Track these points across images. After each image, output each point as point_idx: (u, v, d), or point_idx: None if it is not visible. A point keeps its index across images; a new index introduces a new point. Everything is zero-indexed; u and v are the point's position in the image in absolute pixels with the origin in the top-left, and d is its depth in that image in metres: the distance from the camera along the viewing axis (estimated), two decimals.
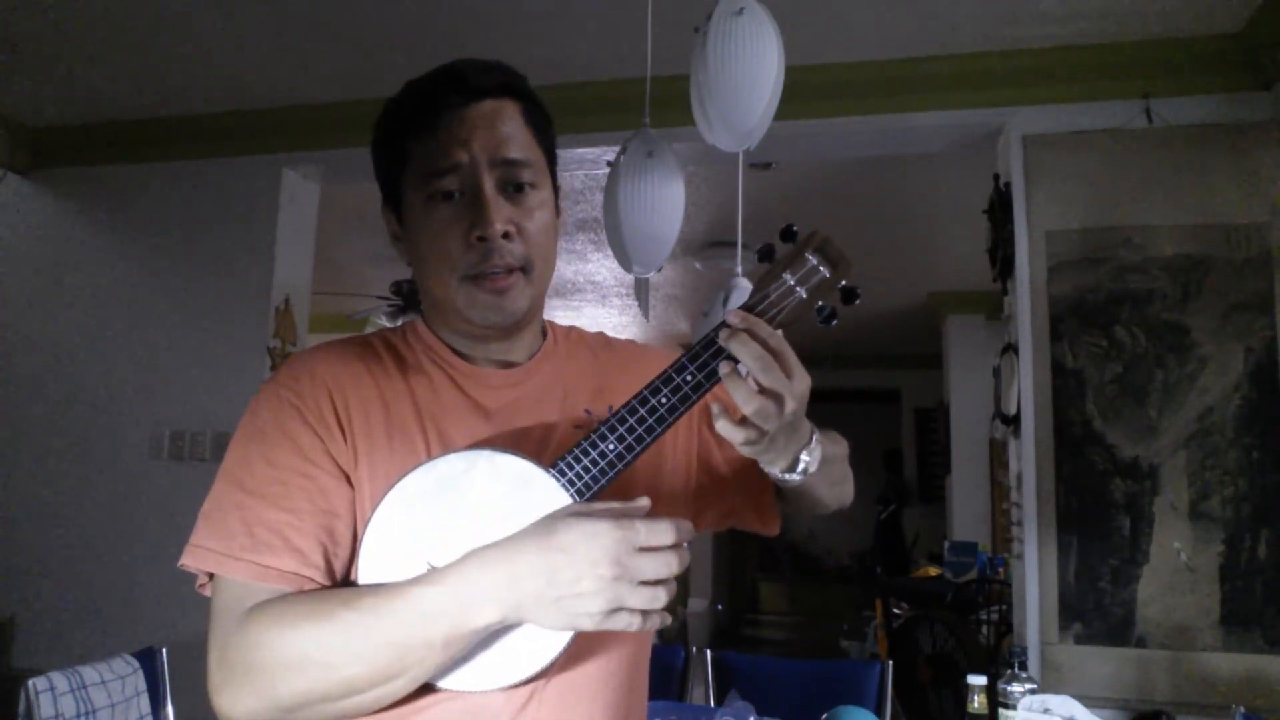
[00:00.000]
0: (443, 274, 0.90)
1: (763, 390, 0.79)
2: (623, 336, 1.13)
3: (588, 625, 0.76)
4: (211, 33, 2.70)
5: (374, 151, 0.96)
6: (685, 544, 0.78)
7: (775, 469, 0.89)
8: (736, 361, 0.80)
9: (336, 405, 0.87)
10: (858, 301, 0.85)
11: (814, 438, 0.90)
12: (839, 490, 1.04)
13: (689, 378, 0.82)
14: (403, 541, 0.81)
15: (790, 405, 0.79)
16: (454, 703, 0.82)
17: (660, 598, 0.76)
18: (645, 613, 0.76)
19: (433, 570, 0.78)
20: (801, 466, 0.89)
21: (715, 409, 0.82)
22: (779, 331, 0.82)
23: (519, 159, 0.90)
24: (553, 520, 0.77)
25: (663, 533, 0.76)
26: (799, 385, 0.80)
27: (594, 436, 0.82)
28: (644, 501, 0.79)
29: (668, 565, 0.75)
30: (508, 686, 0.82)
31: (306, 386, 0.87)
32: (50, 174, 3.45)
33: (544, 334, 1.03)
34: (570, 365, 1.00)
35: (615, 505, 0.78)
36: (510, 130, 0.91)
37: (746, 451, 0.84)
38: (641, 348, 1.11)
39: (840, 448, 1.01)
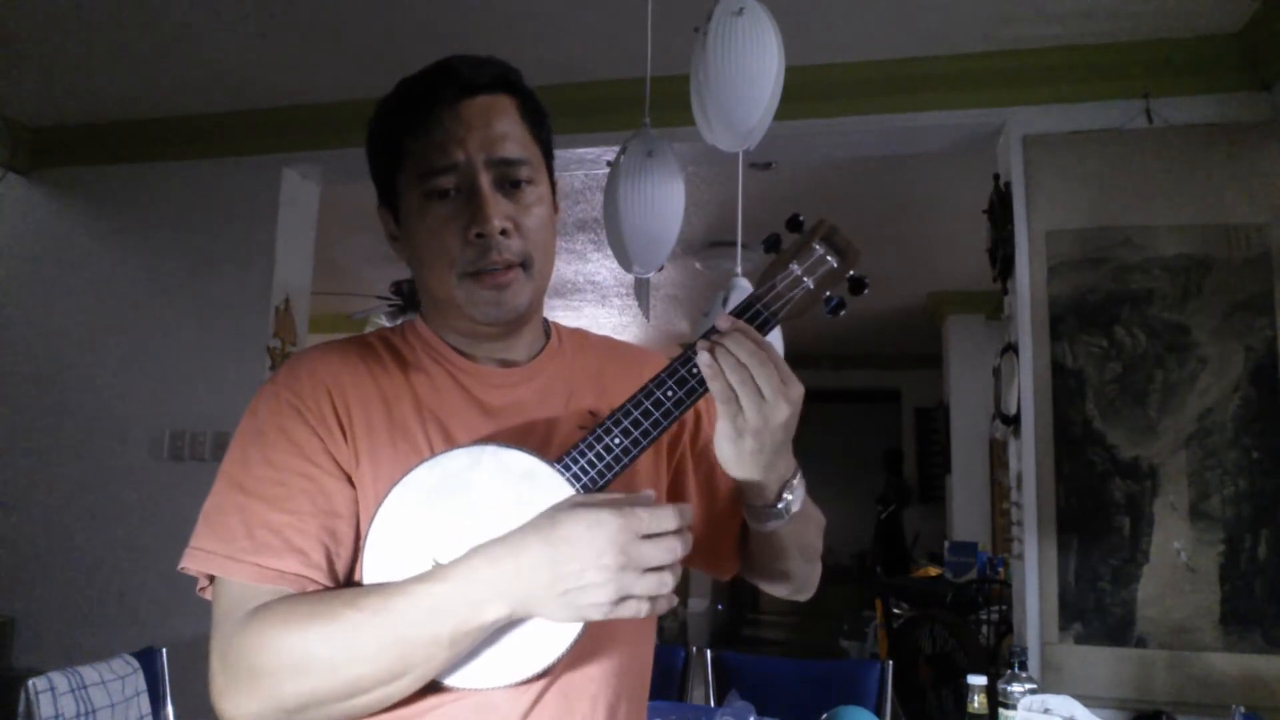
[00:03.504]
0: (442, 271, 0.90)
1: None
2: (623, 336, 1.13)
3: (596, 615, 0.76)
4: (211, 33, 2.70)
5: (369, 151, 0.96)
6: (688, 529, 0.78)
7: (760, 501, 0.89)
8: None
9: (336, 405, 0.86)
10: (866, 291, 0.85)
11: (798, 475, 0.90)
12: (805, 567, 1.03)
13: (694, 370, 0.82)
14: (408, 538, 0.80)
15: (779, 409, 0.80)
16: (461, 702, 0.82)
17: (667, 583, 0.76)
18: (653, 599, 0.76)
19: (438, 567, 0.78)
20: (783, 504, 0.89)
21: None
22: (766, 335, 0.82)
23: (515, 157, 0.90)
24: (555, 512, 0.77)
25: (665, 518, 0.76)
26: (793, 392, 0.81)
27: (599, 431, 0.82)
28: (649, 493, 0.79)
29: (671, 550, 0.76)
30: (514, 684, 0.81)
31: (306, 387, 0.87)
32: (50, 174, 3.45)
33: (547, 334, 1.02)
34: (575, 365, 1.00)
35: (619, 496, 0.78)
36: (506, 127, 0.90)
37: (733, 463, 0.84)
38: (647, 352, 1.10)
39: (817, 514, 1.01)
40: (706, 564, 1.07)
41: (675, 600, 0.78)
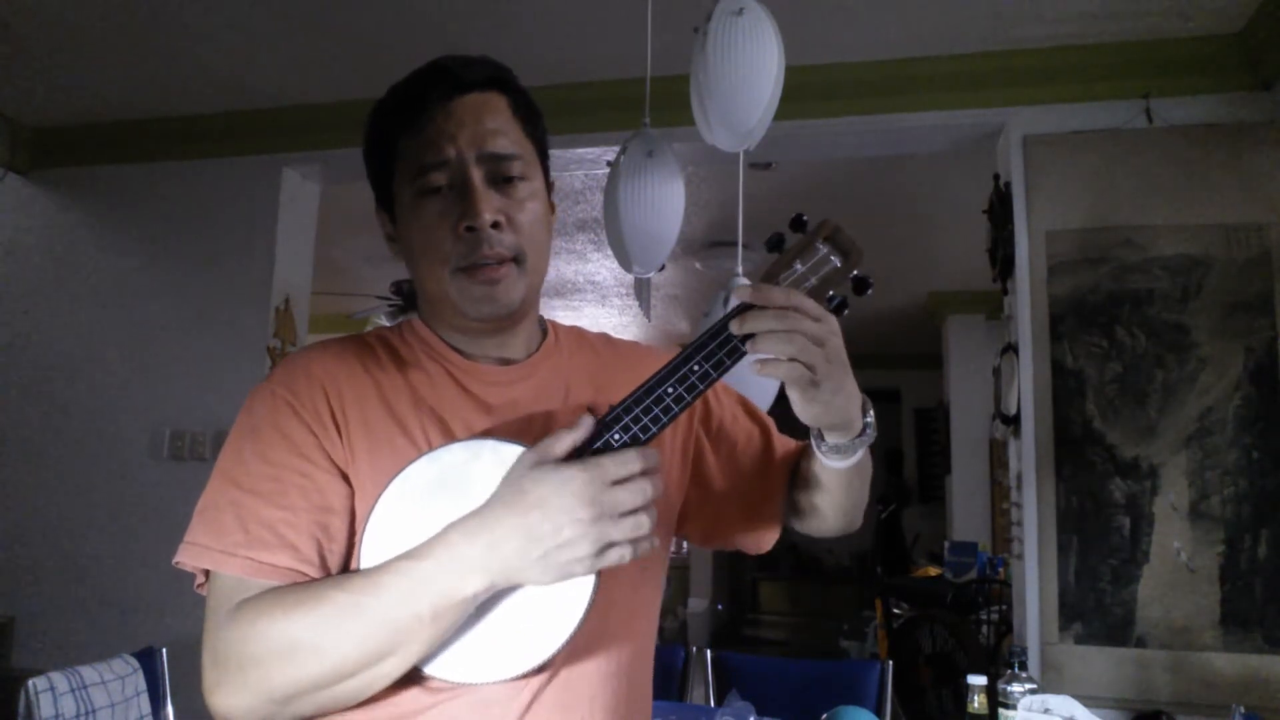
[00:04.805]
0: (435, 268, 0.90)
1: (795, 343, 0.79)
2: (623, 337, 1.13)
3: (581, 571, 0.76)
4: (211, 33, 2.70)
5: (365, 153, 0.96)
6: (655, 470, 0.78)
7: (848, 432, 0.89)
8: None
9: (332, 402, 0.87)
10: (869, 292, 0.85)
11: (869, 405, 0.90)
12: (858, 504, 1.03)
13: (696, 368, 0.81)
14: (406, 532, 0.80)
15: (828, 342, 0.80)
16: (458, 700, 0.82)
17: (644, 523, 0.77)
18: (634, 542, 0.77)
19: (417, 545, 0.78)
20: (870, 422, 0.90)
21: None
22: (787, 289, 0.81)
23: (507, 153, 0.90)
24: (519, 478, 0.77)
25: (629, 461, 0.77)
26: (830, 323, 0.81)
27: (599, 427, 0.82)
28: (587, 419, 0.79)
29: (642, 491, 0.77)
30: (511, 678, 0.81)
31: (301, 384, 0.87)
32: (50, 174, 3.45)
33: (544, 332, 1.02)
34: (572, 363, 1.00)
35: (563, 433, 0.78)
36: (498, 123, 0.91)
37: (822, 416, 0.85)
38: (645, 347, 1.11)
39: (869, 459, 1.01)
40: (746, 538, 1.08)
41: (656, 542, 0.79)
